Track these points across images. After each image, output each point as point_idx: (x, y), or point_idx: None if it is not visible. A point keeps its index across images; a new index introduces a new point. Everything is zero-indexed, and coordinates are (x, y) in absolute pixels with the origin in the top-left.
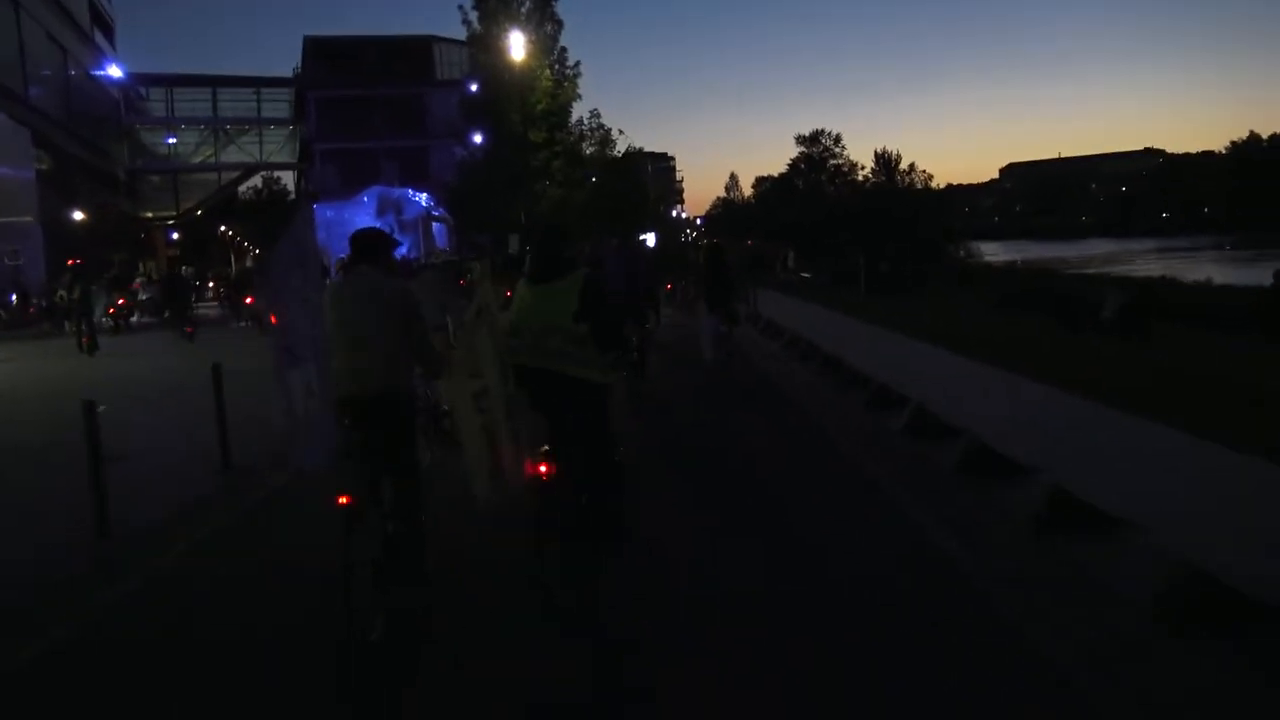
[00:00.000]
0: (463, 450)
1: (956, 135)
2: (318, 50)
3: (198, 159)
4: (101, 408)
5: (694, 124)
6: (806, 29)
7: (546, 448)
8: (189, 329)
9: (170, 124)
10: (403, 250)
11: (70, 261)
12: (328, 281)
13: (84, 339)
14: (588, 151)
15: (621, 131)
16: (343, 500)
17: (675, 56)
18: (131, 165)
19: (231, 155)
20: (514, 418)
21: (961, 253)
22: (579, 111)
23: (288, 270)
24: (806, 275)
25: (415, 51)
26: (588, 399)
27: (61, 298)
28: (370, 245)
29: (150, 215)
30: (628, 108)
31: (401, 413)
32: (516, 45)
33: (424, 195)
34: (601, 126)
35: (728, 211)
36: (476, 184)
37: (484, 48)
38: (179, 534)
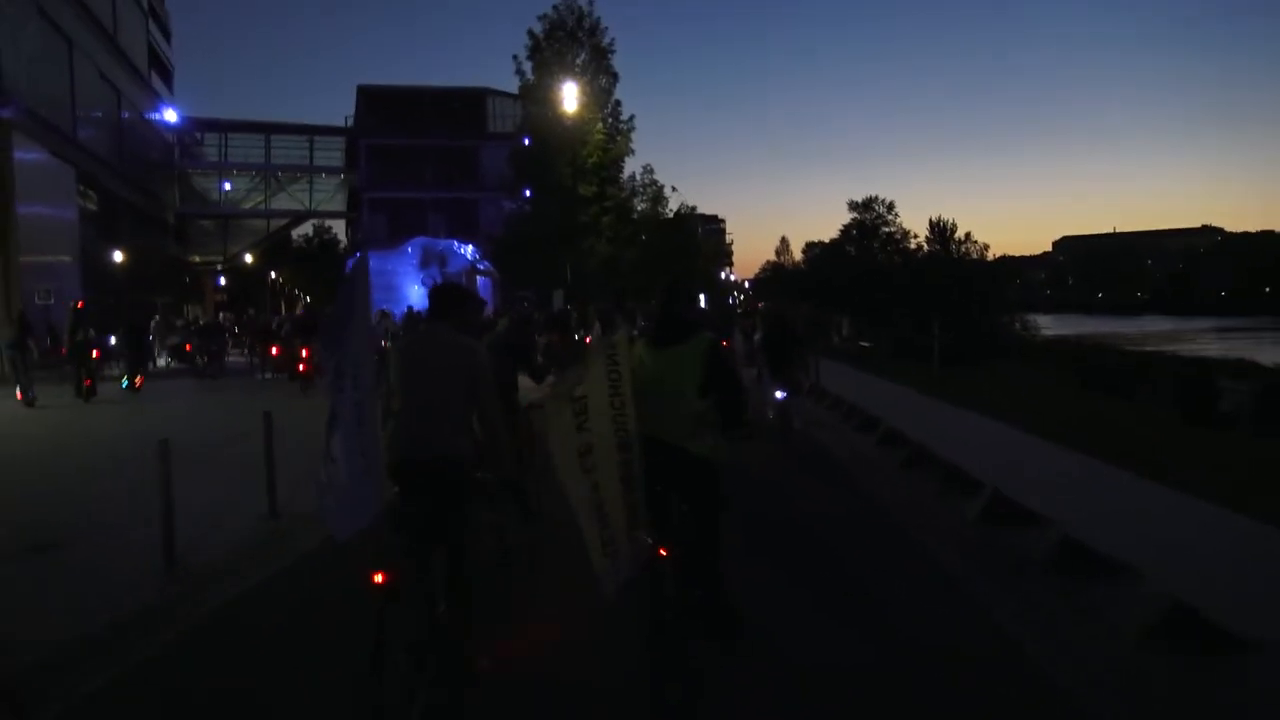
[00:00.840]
0: (579, 521)
1: (1010, 206)
2: (371, 99)
3: (248, 205)
4: None
5: (745, 187)
6: (860, 95)
7: (661, 528)
8: (138, 380)
9: (222, 169)
10: None
11: (76, 304)
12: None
13: (84, 382)
14: (639, 208)
15: (674, 189)
16: (379, 578)
17: (728, 118)
18: (181, 209)
19: (282, 202)
20: (636, 488)
21: (1017, 325)
22: (631, 167)
23: (338, 324)
24: (866, 344)
25: (468, 103)
26: (706, 479)
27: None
28: (448, 300)
29: (198, 259)
30: (679, 168)
31: (459, 481)
32: (570, 96)
33: (469, 248)
34: (654, 183)
35: (777, 275)
36: (522, 238)
37: (536, 99)
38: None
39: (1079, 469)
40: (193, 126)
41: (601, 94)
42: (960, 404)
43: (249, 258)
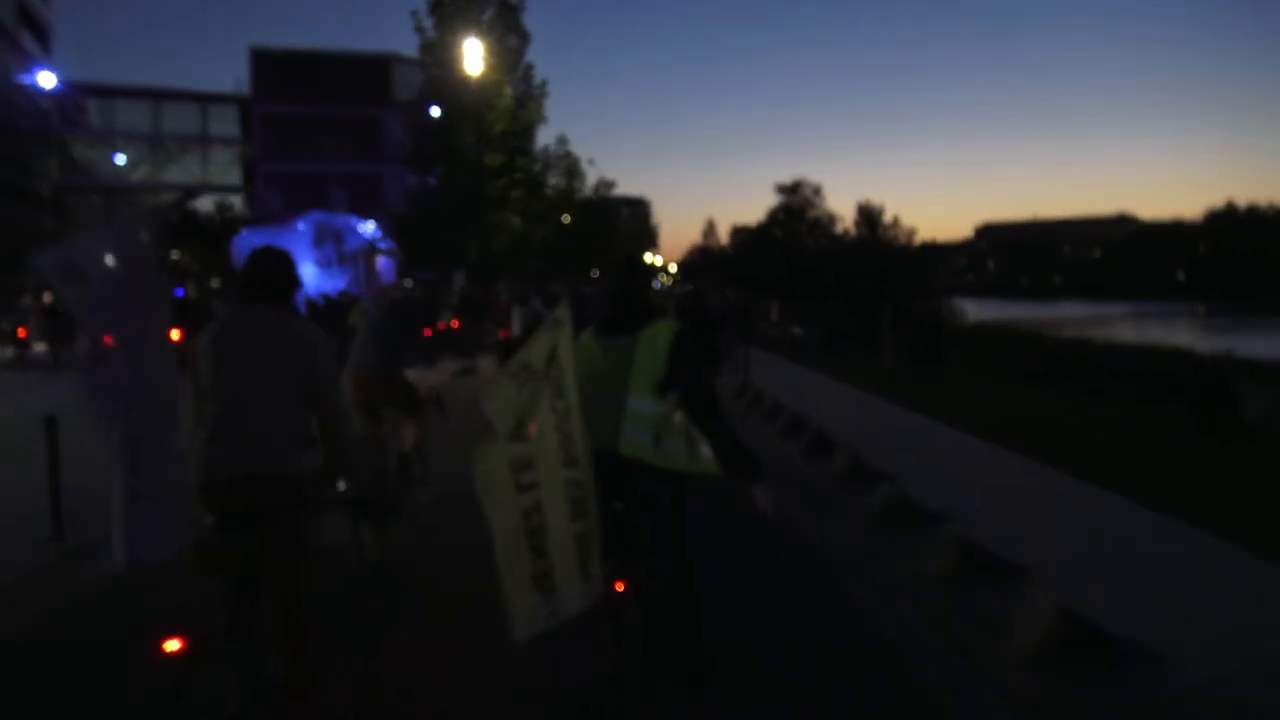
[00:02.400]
0: (495, 550)
1: (931, 192)
2: (265, 64)
3: (136, 177)
4: None
5: (672, 169)
6: (787, 78)
7: (616, 558)
8: None
9: (106, 139)
10: (340, 285)
11: None
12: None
13: None
14: (552, 182)
15: (592, 161)
16: (173, 644)
17: (654, 99)
18: (60, 181)
19: (173, 175)
20: (586, 515)
21: (944, 312)
22: (545, 138)
23: (114, 303)
24: (798, 331)
25: (372, 70)
26: (671, 494)
27: None
28: (269, 274)
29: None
30: (603, 149)
31: (290, 503)
32: (474, 56)
33: (371, 224)
34: (569, 154)
35: (704, 259)
36: (425, 214)
37: (438, 59)
38: None
39: (1134, 528)
40: (73, 92)
41: (511, 55)
42: (931, 412)
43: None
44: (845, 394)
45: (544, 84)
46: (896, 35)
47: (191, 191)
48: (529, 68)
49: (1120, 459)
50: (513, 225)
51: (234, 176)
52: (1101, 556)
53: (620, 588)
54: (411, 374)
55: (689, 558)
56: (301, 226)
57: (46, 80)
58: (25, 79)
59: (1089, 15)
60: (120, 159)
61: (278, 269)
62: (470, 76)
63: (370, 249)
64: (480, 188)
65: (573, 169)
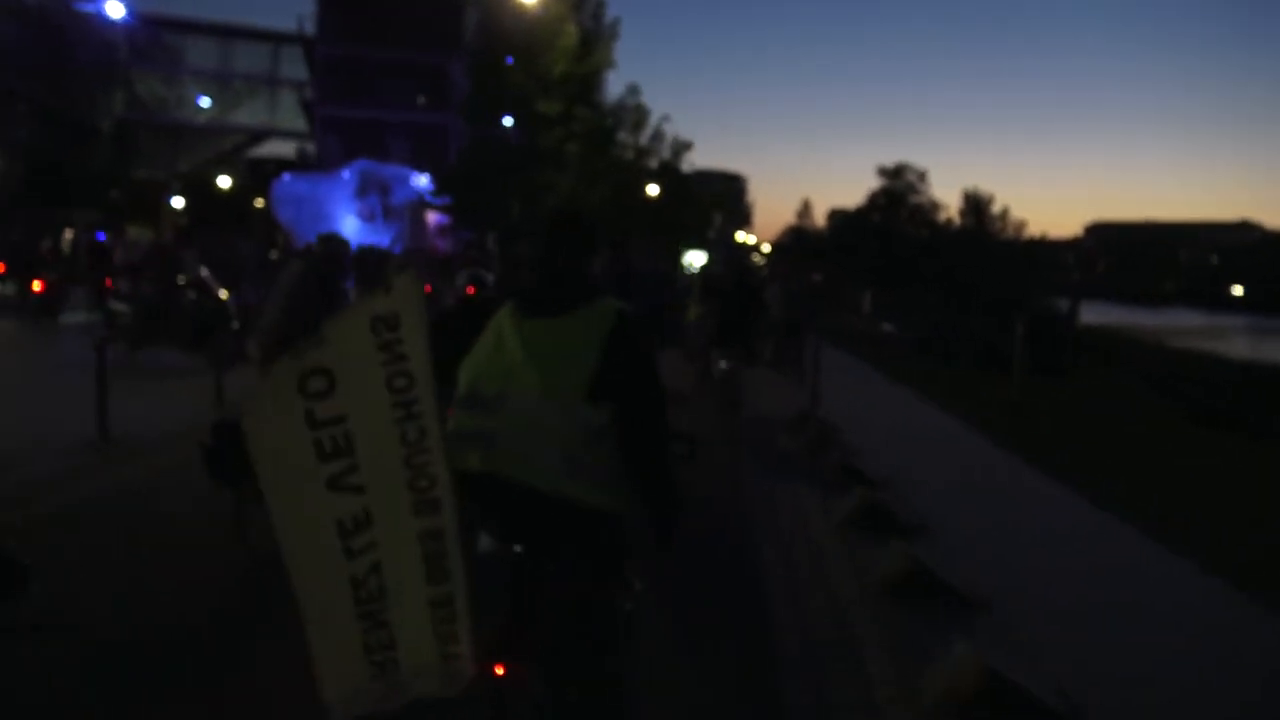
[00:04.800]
0: (304, 620)
1: (1042, 185)
2: (331, 1)
3: (202, 118)
4: None
5: (769, 148)
6: (893, 59)
7: (504, 624)
8: None
9: (174, 76)
10: (383, 240)
11: None
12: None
13: None
14: (620, 137)
15: (667, 118)
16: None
17: (754, 75)
18: (123, 115)
19: (241, 117)
20: (448, 576)
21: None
22: (615, 90)
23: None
24: (889, 328)
25: (444, 12)
26: (595, 546)
27: None
28: None
29: (141, 176)
30: (698, 123)
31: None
32: None
33: (425, 177)
34: (640, 106)
35: (798, 240)
36: (472, 167)
37: None
38: None
39: None
40: (143, 25)
41: None
42: (1132, 506)
43: (226, 180)
44: (968, 447)
45: (616, 24)
46: (1009, 22)
47: (257, 135)
48: (600, 4)
49: None
50: (561, 184)
51: (302, 121)
52: None
53: (502, 671)
54: None
55: (620, 647)
56: (346, 175)
57: (115, 10)
58: (92, 8)
59: (1209, 10)
60: (205, 101)
61: None
62: (526, 4)
63: (419, 203)
64: (532, 138)
65: (640, 122)
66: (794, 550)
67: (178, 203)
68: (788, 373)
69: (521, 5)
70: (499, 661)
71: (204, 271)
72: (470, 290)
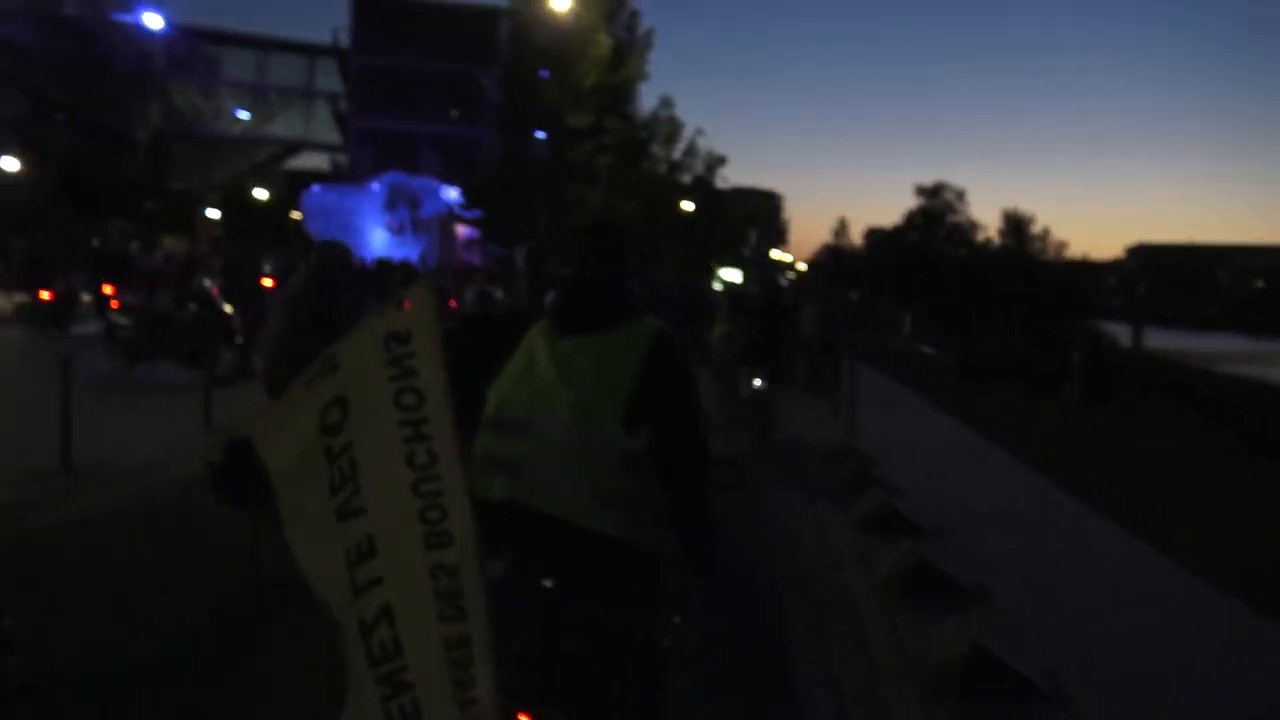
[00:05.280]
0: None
1: (1080, 207)
2: (365, 11)
3: (237, 129)
4: None
5: (805, 166)
6: (931, 80)
7: (530, 666)
8: None
9: (211, 87)
10: (411, 254)
11: None
12: None
13: None
14: (652, 149)
15: (701, 132)
16: None
17: (791, 94)
18: (160, 126)
19: (276, 129)
20: (463, 615)
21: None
22: (649, 100)
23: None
24: (930, 351)
25: (478, 24)
26: (623, 574)
27: None
28: None
29: (177, 187)
30: (733, 140)
31: None
32: None
33: (454, 191)
34: (674, 119)
35: (834, 259)
36: (503, 180)
37: None
38: None
39: None
40: (181, 36)
41: None
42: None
43: (264, 192)
44: (1024, 486)
45: (649, 34)
46: (1050, 43)
47: (292, 147)
48: (633, 15)
49: None
50: (591, 198)
51: (337, 134)
52: None
53: (526, 719)
54: None
55: (658, 688)
56: (375, 187)
57: (153, 22)
58: (130, 19)
59: (1255, 31)
60: (243, 114)
61: None
62: (557, 14)
63: (449, 216)
64: (562, 151)
65: (673, 135)
66: (828, 618)
67: (214, 214)
68: (822, 395)
69: (553, 15)
70: (523, 709)
71: (207, 283)
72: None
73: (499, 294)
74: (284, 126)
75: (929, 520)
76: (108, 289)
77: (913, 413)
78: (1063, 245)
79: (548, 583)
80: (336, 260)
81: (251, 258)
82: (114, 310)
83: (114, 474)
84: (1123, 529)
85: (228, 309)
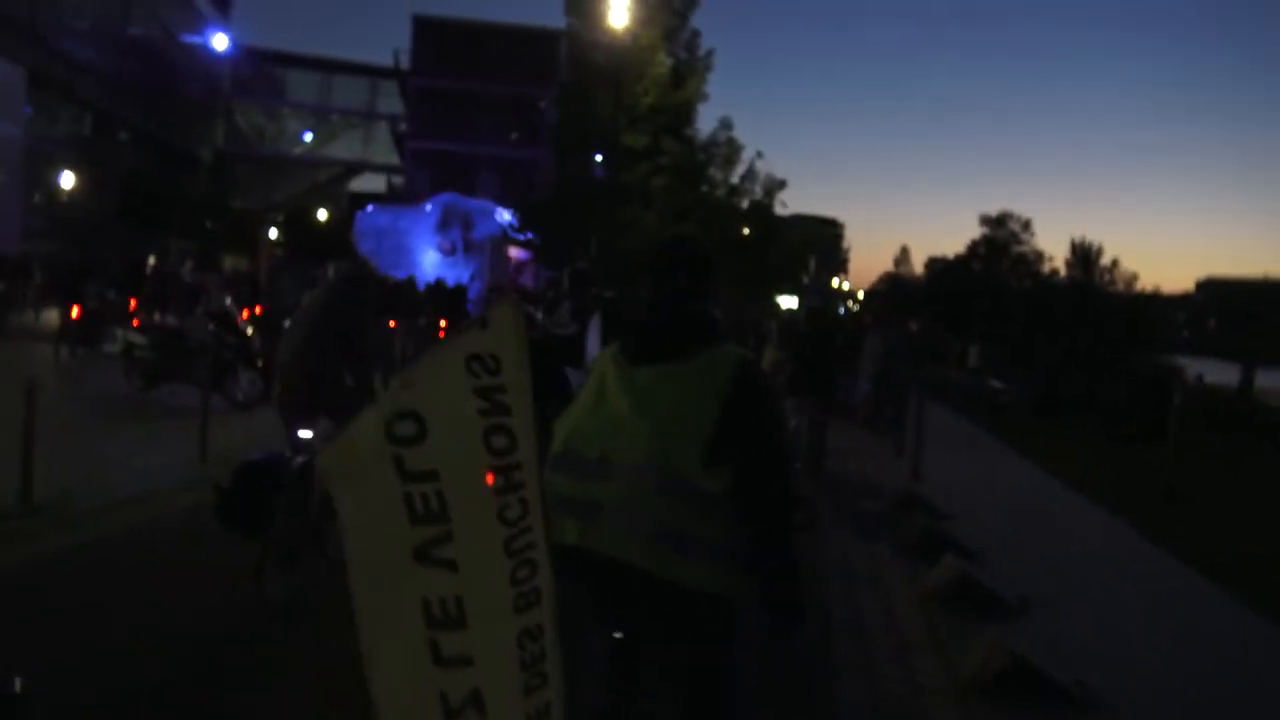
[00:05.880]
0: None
1: (1149, 239)
2: (426, 34)
3: (298, 150)
4: None
5: (866, 194)
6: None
7: None
8: None
9: (275, 108)
10: (463, 275)
11: None
12: None
13: None
14: (710, 172)
15: (760, 155)
16: None
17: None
18: (224, 148)
19: (337, 150)
20: (546, 683)
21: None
22: (707, 124)
23: None
24: (1000, 386)
25: (538, 46)
26: (701, 627)
27: None
28: None
29: (238, 206)
30: (793, 167)
31: None
32: (619, 5)
33: (508, 213)
34: (732, 140)
35: (895, 287)
36: (558, 200)
37: (578, 8)
38: None
39: None
40: (248, 57)
41: (672, 16)
42: None
43: (323, 213)
44: (1135, 558)
45: (709, 55)
46: (1118, 73)
47: (352, 168)
48: (695, 35)
49: None
50: (646, 220)
51: (396, 155)
52: None
53: None
54: None
55: None
56: (429, 207)
57: (219, 43)
58: (191, 38)
59: None
60: (308, 136)
61: None
62: (614, 31)
63: (503, 238)
64: (617, 172)
65: (731, 158)
66: None
67: (274, 234)
68: (883, 432)
69: (611, 33)
70: None
71: (228, 300)
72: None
73: (539, 315)
74: (345, 148)
75: (1016, 589)
76: (133, 305)
77: (987, 456)
78: (1134, 277)
79: (618, 635)
80: (356, 279)
81: (302, 277)
82: (133, 329)
83: (79, 514)
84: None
85: (249, 331)
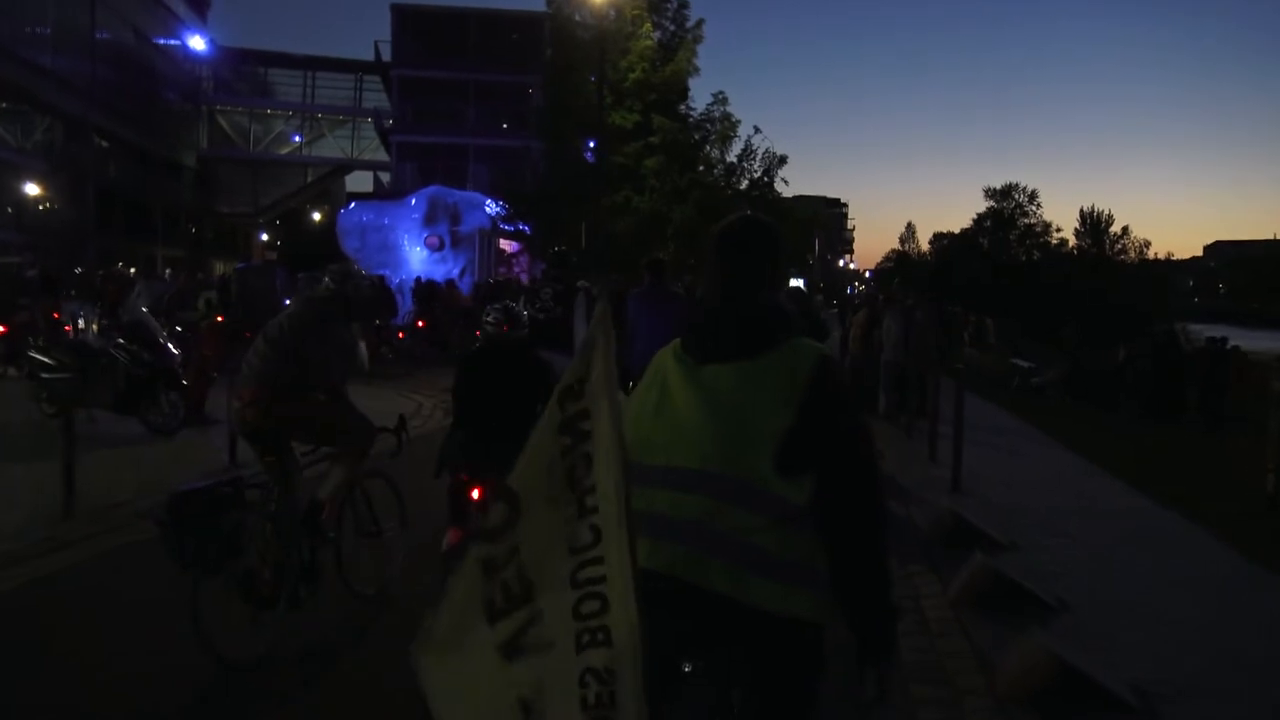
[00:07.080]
0: None
1: (1156, 204)
2: (406, 23)
3: (284, 151)
4: None
5: (870, 173)
6: (999, 82)
7: None
8: None
9: (259, 108)
10: (452, 271)
11: None
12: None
13: None
14: (705, 151)
15: (757, 130)
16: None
17: (855, 99)
18: (207, 152)
19: (324, 149)
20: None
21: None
22: (701, 100)
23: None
24: (1026, 364)
25: (523, 32)
26: (781, 657)
27: None
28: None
29: (224, 210)
30: (796, 146)
31: None
32: None
33: (495, 204)
34: (728, 116)
35: (901, 264)
36: (547, 187)
37: None
38: None
39: None
40: (228, 58)
41: None
42: None
43: (316, 215)
44: (1234, 574)
45: (699, 25)
46: (1117, 39)
47: (341, 166)
48: (681, 5)
49: None
50: (642, 205)
51: (384, 151)
52: None
53: None
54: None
55: None
56: (413, 201)
57: (197, 44)
58: (175, 43)
59: None
60: (297, 137)
61: None
62: (597, 4)
63: (493, 230)
64: (603, 154)
65: (727, 135)
66: None
67: (265, 238)
68: (904, 427)
69: (594, 5)
70: None
71: (144, 310)
72: (504, 328)
73: (525, 314)
74: (333, 146)
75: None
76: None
77: (1032, 450)
78: (1145, 244)
79: (687, 667)
80: (326, 299)
81: (266, 279)
82: (40, 347)
83: None
84: None
85: (172, 346)
